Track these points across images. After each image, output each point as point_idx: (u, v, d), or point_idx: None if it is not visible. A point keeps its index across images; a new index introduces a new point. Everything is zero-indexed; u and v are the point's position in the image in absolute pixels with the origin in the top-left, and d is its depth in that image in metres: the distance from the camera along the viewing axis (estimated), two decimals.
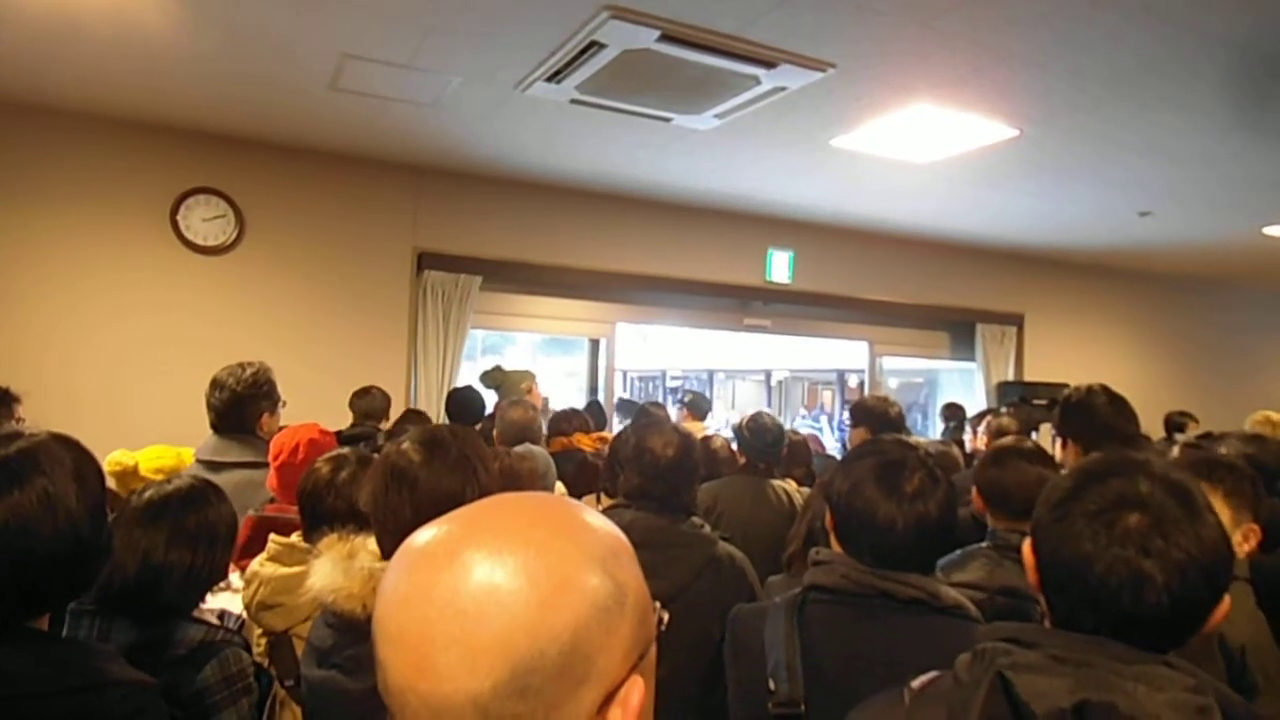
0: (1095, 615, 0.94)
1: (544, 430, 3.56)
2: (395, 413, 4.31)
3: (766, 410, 3.40)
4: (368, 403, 3.90)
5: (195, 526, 1.56)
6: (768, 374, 13.45)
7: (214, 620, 1.59)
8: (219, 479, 2.09)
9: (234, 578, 2.01)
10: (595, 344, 5.87)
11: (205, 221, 4.43)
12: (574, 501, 0.66)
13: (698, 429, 4.40)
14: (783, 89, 3.46)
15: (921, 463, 1.44)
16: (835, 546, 1.47)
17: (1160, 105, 3.56)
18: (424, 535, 0.60)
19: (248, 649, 1.60)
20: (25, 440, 1.14)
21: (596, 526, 0.62)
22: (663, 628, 0.65)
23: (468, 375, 5.08)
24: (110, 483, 2.90)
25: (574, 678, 0.55)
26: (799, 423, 11.37)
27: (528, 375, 4.62)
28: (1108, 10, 2.73)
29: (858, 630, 1.38)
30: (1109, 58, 3.10)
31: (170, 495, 1.60)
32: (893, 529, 1.38)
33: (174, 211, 4.36)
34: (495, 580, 0.55)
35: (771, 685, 1.33)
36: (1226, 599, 0.95)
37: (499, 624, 0.54)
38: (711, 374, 13.97)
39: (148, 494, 1.60)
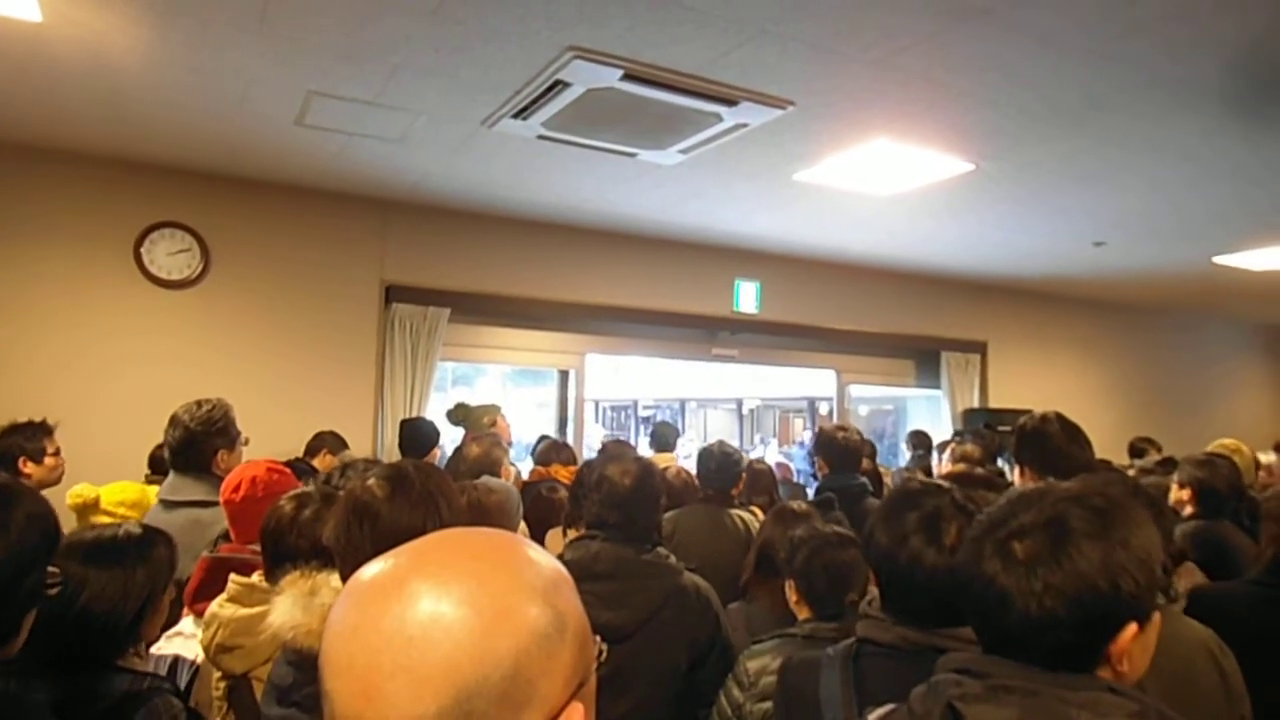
0: (984, 628, 1.00)
1: (505, 463, 3.54)
2: (357, 450, 4.36)
3: (725, 440, 3.43)
4: (313, 441, 4.18)
5: (121, 573, 1.48)
6: (739, 403, 13.53)
7: (144, 668, 1.53)
8: (170, 517, 2.07)
9: (187, 622, 1.97)
10: (564, 375, 5.87)
11: (170, 256, 4.40)
12: (517, 536, 0.68)
13: (666, 460, 4.42)
14: (744, 125, 3.54)
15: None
16: None
17: (1107, 140, 3.69)
18: (371, 569, 0.62)
19: (179, 695, 1.54)
20: None
21: (537, 560, 0.64)
22: (602, 659, 0.67)
23: (436, 407, 5.06)
24: (70, 517, 2.86)
25: (516, 702, 0.57)
26: (766, 450, 11.41)
27: (492, 409, 4.60)
28: (1053, 51, 2.84)
29: (915, 684, 1.38)
30: (1055, 95, 3.21)
31: (94, 541, 1.53)
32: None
33: (138, 246, 4.33)
34: (440, 609, 0.57)
35: None
36: (1130, 631, 0.95)
37: (444, 650, 0.55)
38: (683, 403, 14.02)
39: (75, 539, 1.53)
